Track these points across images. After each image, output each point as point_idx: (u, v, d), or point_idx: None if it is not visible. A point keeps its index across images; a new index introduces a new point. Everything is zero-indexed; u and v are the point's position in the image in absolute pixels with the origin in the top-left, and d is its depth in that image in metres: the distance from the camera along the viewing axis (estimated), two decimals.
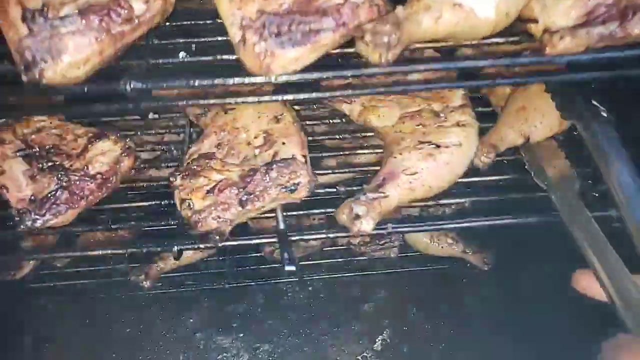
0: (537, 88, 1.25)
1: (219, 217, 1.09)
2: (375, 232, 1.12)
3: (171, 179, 1.16)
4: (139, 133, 1.46)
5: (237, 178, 1.13)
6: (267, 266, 1.83)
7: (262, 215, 1.25)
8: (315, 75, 0.88)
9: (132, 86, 0.84)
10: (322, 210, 1.25)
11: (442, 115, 1.25)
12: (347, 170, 1.42)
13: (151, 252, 1.52)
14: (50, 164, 1.14)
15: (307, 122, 1.49)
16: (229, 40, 0.95)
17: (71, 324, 1.73)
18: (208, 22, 1.07)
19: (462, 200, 1.29)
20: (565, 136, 1.29)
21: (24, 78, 0.81)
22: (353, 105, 1.37)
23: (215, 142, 1.24)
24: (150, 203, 1.26)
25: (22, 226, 1.07)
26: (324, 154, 1.49)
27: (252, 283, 1.84)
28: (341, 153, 1.47)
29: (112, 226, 1.21)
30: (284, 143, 1.18)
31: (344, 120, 1.52)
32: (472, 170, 1.24)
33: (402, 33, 0.88)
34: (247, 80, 0.86)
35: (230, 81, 0.85)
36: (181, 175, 1.16)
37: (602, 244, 0.98)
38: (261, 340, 1.72)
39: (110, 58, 0.87)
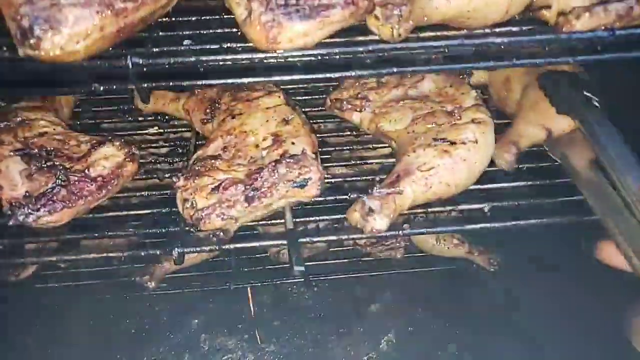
0: None
1: (224, 215, 1.02)
2: (389, 233, 1.04)
3: (174, 179, 1.11)
4: (143, 146, 1.43)
5: (243, 176, 1.08)
6: (273, 267, 1.79)
7: (270, 222, 1.18)
8: (323, 51, 0.84)
9: (132, 62, 0.80)
10: (333, 216, 1.17)
11: (455, 114, 1.20)
12: (357, 177, 1.36)
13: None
14: (49, 163, 1.10)
15: (317, 135, 1.45)
16: (234, 32, 0.93)
17: (75, 325, 1.71)
18: (215, 17, 1.06)
19: (482, 205, 1.21)
20: None
21: (20, 51, 0.79)
22: (363, 113, 1.34)
23: (221, 146, 1.19)
24: (152, 210, 1.20)
25: (12, 221, 1.00)
26: (333, 164, 1.43)
27: (258, 284, 1.80)
28: (350, 163, 1.43)
29: (110, 233, 1.14)
30: (293, 143, 1.13)
31: (353, 132, 1.48)
32: (490, 178, 1.20)
33: (413, 6, 0.85)
34: (255, 55, 0.82)
35: (239, 57, 0.81)
36: (184, 176, 1.11)
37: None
38: (266, 341, 1.69)
39: (111, 37, 0.84)
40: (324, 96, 1.44)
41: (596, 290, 1.47)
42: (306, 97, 1.58)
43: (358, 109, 1.35)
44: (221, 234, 1.01)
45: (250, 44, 0.86)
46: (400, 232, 1.09)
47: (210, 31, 1.00)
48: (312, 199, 1.09)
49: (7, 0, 0.75)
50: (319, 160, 1.11)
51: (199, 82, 0.89)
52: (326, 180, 1.16)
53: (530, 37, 0.91)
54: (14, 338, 1.65)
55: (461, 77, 1.33)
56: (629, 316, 0.96)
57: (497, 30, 0.97)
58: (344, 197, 1.25)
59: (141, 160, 1.26)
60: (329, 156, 1.47)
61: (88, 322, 1.72)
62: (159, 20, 0.96)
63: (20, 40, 0.77)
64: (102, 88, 0.85)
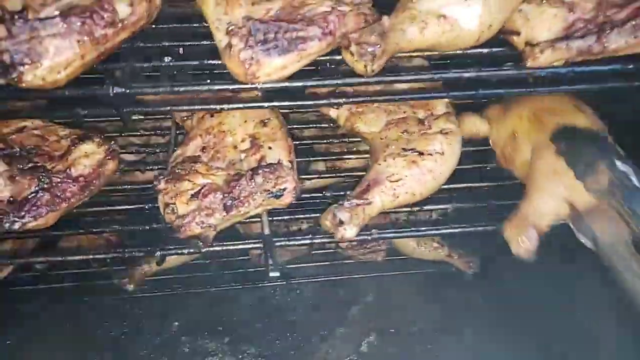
0: None
1: (203, 223, 1.08)
2: (358, 238, 1.13)
3: (155, 182, 1.15)
4: (123, 134, 1.45)
5: (222, 182, 1.13)
6: (254, 269, 1.82)
7: (249, 220, 1.25)
8: (300, 83, 0.88)
9: (114, 91, 0.83)
10: (309, 216, 1.24)
11: (426, 122, 1.26)
12: (334, 175, 1.42)
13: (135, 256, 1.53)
14: (31, 165, 1.12)
15: (295, 127, 1.49)
16: (215, 44, 0.95)
17: (53, 328, 1.70)
18: (194, 25, 1.06)
19: (446, 206, 1.30)
20: None
21: (1, 81, 0.80)
22: (340, 110, 1.38)
23: (200, 146, 1.23)
24: (133, 206, 1.25)
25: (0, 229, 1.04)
26: (311, 158, 1.48)
27: (239, 286, 1.83)
28: (329, 157, 1.48)
29: (94, 230, 1.20)
30: (270, 147, 1.18)
31: (332, 125, 1.53)
32: (455, 177, 1.27)
33: (387, 43, 0.89)
34: (232, 87, 0.86)
35: (215, 87, 0.85)
36: (165, 179, 1.15)
37: None
38: (247, 344, 1.70)
39: (93, 62, 0.86)
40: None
41: (576, 290, 1.53)
42: None
43: (335, 106, 1.39)
44: (200, 242, 1.07)
45: None
46: (369, 236, 1.18)
47: (192, 43, 1.02)
48: (287, 205, 1.16)
49: None
50: (294, 168, 1.16)
51: (178, 108, 0.92)
52: (304, 178, 1.22)
53: (497, 72, 0.95)
54: None
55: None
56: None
57: (468, 52, 1.02)
58: (320, 194, 1.33)
59: (122, 150, 1.29)
60: (307, 151, 1.50)
61: (66, 325, 1.70)
62: None
63: (1, 74, 0.78)
64: (84, 113, 0.87)
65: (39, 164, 1.14)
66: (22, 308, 1.71)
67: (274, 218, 1.21)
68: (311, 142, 1.51)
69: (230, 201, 1.10)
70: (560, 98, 1.16)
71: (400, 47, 0.92)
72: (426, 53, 1.02)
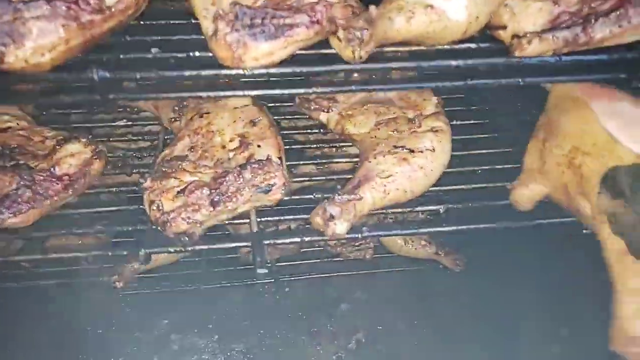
0: None
1: (189, 218, 1.06)
2: (349, 235, 1.11)
3: (141, 180, 1.13)
4: (111, 140, 1.43)
5: (209, 180, 1.11)
6: (244, 267, 1.82)
7: (238, 222, 1.23)
8: (288, 69, 0.88)
9: (99, 75, 0.82)
10: (298, 216, 1.22)
11: (416, 121, 1.26)
12: (324, 177, 1.41)
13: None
14: (13, 162, 1.10)
15: (285, 132, 1.48)
16: (203, 39, 0.95)
17: (41, 326, 1.68)
18: (183, 21, 1.07)
19: (437, 207, 1.28)
20: None
21: None
22: (330, 114, 1.38)
23: (188, 145, 1.21)
24: (119, 207, 1.22)
25: None
26: (301, 162, 1.48)
27: (228, 284, 1.82)
28: (318, 161, 1.47)
29: (78, 230, 1.16)
30: (259, 146, 1.17)
31: (321, 130, 1.52)
32: (446, 179, 1.26)
33: (375, 30, 0.89)
34: (220, 72, 0.85)
35: (203, 73, 0.84)
36: (151, 177, 1.13)
37: None
38: (237, 341, 1.70)
39: (78, 48, 0.85)
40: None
41: (563, 291, 1.55)
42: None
43: (325, 110, 1.38)
44: (186, 238, 1.04)
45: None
46: (360, 235, 1.15)
47: (179, 37, 1.01)
48: (277, 202, 1.13)
49: None
50: (284, 165, 1.15)
51: (164, 95, 0.90)
52: (294, 180, 1.21)
53: (485, 61, 0.96)
54: None
55: None
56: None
57: (456, 47, 1.03)
58: (310, 197, 1.31)
59: (109, 154, 1.27)
60: (297, 154, 1.50)
61: (54, 323, 1.70)
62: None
63: None
64: (67, 99, 0.85)
65: (21, 162, 1.12)
66: (9, 305, 1.70)
67: (263, 218, 1.18)
68: (301, 146, 1.51)
69: (217, 197, 1.08)
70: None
71: (387, 35, 0.92)
72: (414, 48, 1.02)
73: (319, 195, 1.32)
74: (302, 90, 0.94)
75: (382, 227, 1.21)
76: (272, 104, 1.45)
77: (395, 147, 1.19)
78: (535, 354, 1.54)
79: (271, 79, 0.90)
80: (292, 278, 1.85)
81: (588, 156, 0.98)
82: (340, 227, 1.06)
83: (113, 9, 0.86)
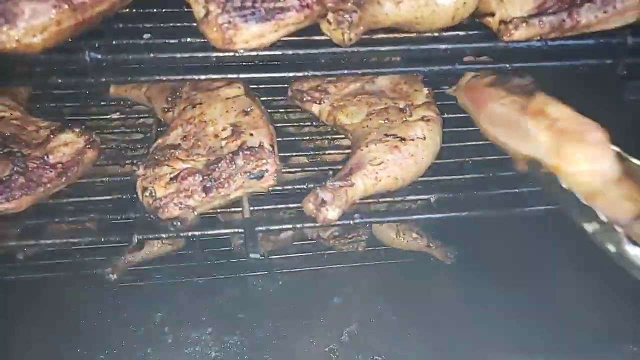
0: None
1: (181, 204, 1.06)
2: (341, 222, 1.11)
3: (134, 168, 1.14)
4: (105, 132, 1.44)
5: (202, 167, 1.12)
6: (237, 260, 1.82)
7: (231, 210, 1.23)
8: (278, 52, 0.89)
9: (91, 56, 0.83)
10: (290, 205, 1.23)
11: (407, 110, 1.27)
12: (316, 168, 1.42)
13: (118, 245, 1.50)
14: (6, 150, 1.11)
15: (277, 125, 1.49)
16: (194, 26, 0.96)
17: (35, 318, 1.67)
18: (175, 9, 1.08)
19: (428, 196, 1.29)
20: None
21: None
22: (322, 105, 1.39)
23: (181, 135, 1.22)
24: (112, 197, 1.22)
25: None
26: (293, 154, 1.49)
27: (222, 277, 1.82)
28: (310, 153, 1.48)
29: (71, 218, 1.17)
30: (252, 134, 1.17)
31: (313, 123, 1.53)
32: (437, 170, 1.28)
33: (364, 13, 0.91)
34: (212, 54, 0.86)
35: (197, 54, 0.85)
36: (144, 165, 1.14)
37: None
38: (230, 334, 1.69)
39: (70, 31, 0.86)
40: (287, 85, 1.48)
41: (554, 282, 1.57)
42: (270, 87, 1.61)
43: (317, 101, 1.40)
44: (179, 223, 1.04)
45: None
46: (351, 221, 1.16)
47: (170, 25, 1.02)
48: (269, 189, 1.14)
49: None
50: (276, 152, 1.16)
51: (157, 78, 0.91)
52: (286, 170, 1.22)
53: (472, 45, 0.97)
54: None
55: None
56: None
57: (445, 34, 1.04)
58: (302, 186, 1.31)
59: (102, 146, 1.28)
60: (290, 147, 1.51)
61: (48, 315, 1.69)
62: (120, 12, 0.98)
63: None
64: (59, 81, 0.86)
65: (14, 150, 1.13)
66: (3, 298, 1.69)
67: (255, 207, 1.18)
68: (293, 139, 1.51)
69: (209, 183, 1.08)
70: None
71: (377, 19, 0.94)
72: (404, 35, 1.04)
73: (312, 186, 1.33)
74: (291, 74, 0.94)
75: (374, 213, 1.21)
76: (265, 98, 1.46)
77: (387, 135, 1.20)
78: (525, 345, 1.54)
79: (262, 63, 0.90)
80: (285, 271, 1.85)
81: None
82: (332, 213, 1.07)
83: None
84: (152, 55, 0.85)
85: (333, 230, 1.79)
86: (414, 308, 1.76)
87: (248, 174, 1.10)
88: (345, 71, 0.94)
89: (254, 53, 0.88)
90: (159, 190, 1.08)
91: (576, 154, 0.99)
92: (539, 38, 1.01)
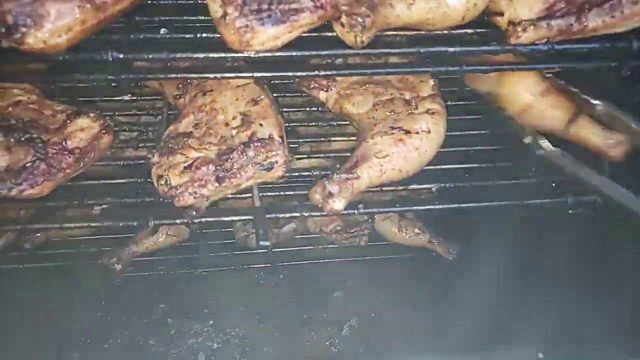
0: None
1: (196, 193, 1.11)
2: (346, 212, 1.17)
3: (149, 155, 1.18)
4: (116, 114, 1.47)
5: (214, 156, 1.16)
6: (240, 252, 1.85)
7: (240, 196, 1.28)
8: (293, 53, 0.92)
9: (113, 56, 0.86)
10: (297, 192, 1.28)
11: (413, 103, 1.30)
12: (321, 155, 1.46)
13: (123, 236, 1.55)
14: (27, 136, 1.15)
15: (284, 110, 1.52)
16: (210, 20, 0.98)
17: (38, 308, 1.69)
18: (190, 2, 1.10)
19: (430, 185, 1.34)
20: None
21: (4, 43, 0.82)
22: (329, 93, 1.42)
23: (193, 122, 1.26)
24: (127, 180, 1.27)
25: None
26: (299, 140, 1.52)
27: (225, 269, 1.85)
28: (315, 139, 1.51)
29: (89, 202, 1.22)
30: (261, 124, 1.21)
31: (319, 109, 1.56)
32: (439, 159, 1.32)
33: (376, 16, 0.93)
34: (228, 55, 0.89)
35: (212, 55, 0.88)
36: (159, 152, 1.18)
37: None
38: (232, 326, 1.71)
39: (92, 29, 0.89)
40: None
41: (557, 278, 1.58)
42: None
43: (324, 89, 1.42)
44: (194, 212, 1.10)
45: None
46: (356, 211, 1.22)
47: (185, 18, 1.05)
48: (278, 179, 1.19)
49: None
50: (285, 143, 1.20)
51: (176, 75, 0.95)
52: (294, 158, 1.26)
53: (480, 48, 1.00)
54: None
55: None
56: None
57: (454, 32, 1.07)
58: (308, 173, 1.36)
59: (116, 129, 1.32)
60: (295, 133, 1.54)
61: (52, 304, 1.70)
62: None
63: (4, 34, 0.80)
64: (83, 77, 0.90)
65: (35, 136, 1.17)
66: (8, 287, 1.71)
67: (263, 194, 1.23)
68: (298, 124, 1.54)
69: (222, 173, 1.13)
70: None
71: (389, 21, 0.96)
72: (413, 33, 1.06)
73: (317, 173, 1.38)
74: (304, 74, 0.97)
75: (377, 204, 1.26)
76: (273, 82, 1.47)
77: (392, 128, 1.24)
78: (529, 342, 1.55)
79: (272, 59, 0.94)
80: (288, 263, 1.87)
81: None
82: (338, 204, 1.12)
83: None
84: (172, 55, 0.87)
85: (335, 225, 1.80)
86: (415, 304, 1.77)
87: (258, 165, 1.15)
88: (356, 71, 0.97)
89: (269, 54, 0.90)
90: (174, 179, 1.13)
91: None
92: (545, 40, 1.04)
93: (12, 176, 1.10)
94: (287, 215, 1.19)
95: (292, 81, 1.53)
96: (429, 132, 1.24)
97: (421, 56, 0.98)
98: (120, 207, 1.34)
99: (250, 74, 0.95)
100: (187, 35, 0.98)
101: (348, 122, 1.49)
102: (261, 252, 1.81)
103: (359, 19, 0.90)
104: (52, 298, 1.72)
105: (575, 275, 1.57)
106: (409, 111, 1.28)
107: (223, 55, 0.90)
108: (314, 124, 1.55)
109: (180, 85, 1.35)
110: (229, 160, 1.14)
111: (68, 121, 1.22)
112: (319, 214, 1.18)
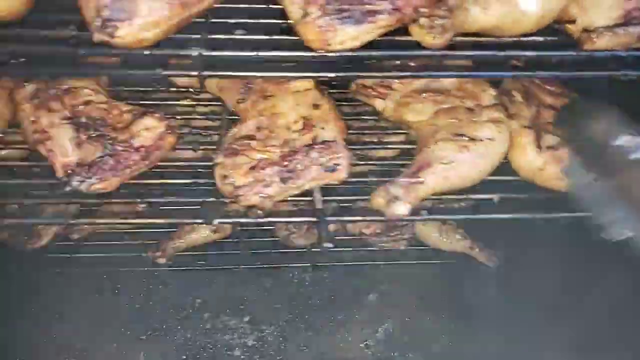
0: None
1: (261, 193, 1.12)
2: (409, 218, 1.16)
3: (213, 156, 1.20)
4: (177, 117, 1.50)
5: (277, 158, 1.17)
6: (278, 251, 1.87)
7: (301, 198, 1.28)
8: (372, 53, 0.93)
9: (197, 53, 0.88)
10: (359, 197, 1.27)
11: (475, 111, 1.29)
12: (382, 162, 1.46)
13: (167, 230, 1.61)
14: (97, 133, 1.18)
15: None
16: (281, 23, 1.01)
17: (82, 296, 1.76)
18: (262, 5, 1.12)
19: (492, 195, 1.31)
20: None
21: (96, 36, 0.85)
22: (386, 101, 1.42)
23: (255, 126, 1.27)
24: (188, 180, 1.29)
25: (69, 187, 1.09)
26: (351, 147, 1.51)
27: (263, 266, 1.87)
28: (363, 147, 1.51)
29: (151, 200, 1.24)
30: (323, 128, 1.22)
31: (362, 117, 1.56)
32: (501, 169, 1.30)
33: (454, 20, 0.93)
34: (310, 54, 0.90)
35: (294, 53, 0.90)
36: (223, 153, 1.20)
37: None
38: (267, 324, 1.75)
39: (177, 26, 0.91)
40: None
41: (595, 286, 1.54)
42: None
43: (382, 97, 1.43)
44: (259, 211, 1.10)
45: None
46: (418, 217, 1.20)
47: (260, 21, 1.07)
48: (340, 181, 1.19)
49: None
50: (346, 146, 1.20)
51: (258, 74, 0.97)
52: (355, 163, 1.26)
53: (555, 53, 0.99)
54: (22, 305, 1.69)
55: None
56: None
57: (525, 39, 1.06)
58: (364, 179, 1.36)
59: (178, 131, 1.34)
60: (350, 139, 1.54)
61: (94, 294, 1.77)
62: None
63: (98, 28, 0.84)
64: (164, 73, 0.92)
65: (103, 134, 1.20)
66: (56, 275, 1.78)
67: (327, 198, 1.23)
68: (353, 132, 1.54)
69: (286, 174, 1.14)
70: None
71: (464, 25, 0.96)
72: (475, 38, 1.06)
73: (374, 179, 1.38)
74: (368, 74, 1.00)
75: (441, 210, 1.25)
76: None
77: (456, 134, 1.23)
78: (563, 353, 1.54)
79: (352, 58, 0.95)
80: (324, 264, 1.88)
81: None
82: (402, 208, 1.11)
83: None
84: (254, 54, 0.89)
85: (375, 228, 1.78)
86: (450, 310, 1.77)
87: (322, 166, 1.15)
88: (429, 73, 0.98)
89: (348, 54, 0.92)
90: (239, 179, 1.14)
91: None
92: (620, 48, 1.02)
93: (84, 170, 1.13)
94: (350, 219, 1.18)
95: (342, 91, 1.55)
96: (494, 140, 1.22)
97: (487, 59, 0.98)
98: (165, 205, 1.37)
99: (332, 74, 0.95)
100: (262, 37, 1.00)
101: (391, 132, 1.49)
102: (300, 251, 1.83)
103: (438, 21, 0.90)
104: (95, 287, 1.80)
105: (617, 291, 1.50)
106: (472, 119, 1.27)
107: (302, 54, 0.91)
108: (360, 132, 1.55)
109: (241, 90, 1.38)
110: (293, 161, 1.15)
111: (134, 121, 1.25)
112: (379, 218, 1.17)
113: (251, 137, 1.24)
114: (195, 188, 1.29)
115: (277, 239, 1.85)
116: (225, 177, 1.16)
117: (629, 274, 1.39)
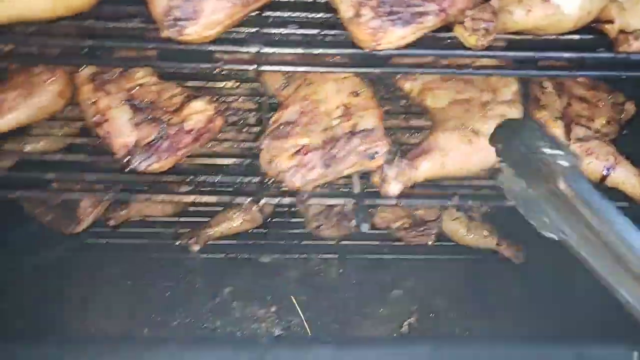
0: None
1: (304, 177, 1.20)
2: (437, 201, 1.23)
3: (259, 140, 1.28)
4: (218, 98, 1.58)
5: (320, 143, 1.25)
6: (307, 243, 1.90)
7: (336, 183, 1.36)
8: (421, 52, 0.99)
9: (258, 50, 0.95)
10: None
11: (489, 105, 1.32)
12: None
13: (199, 218, 1.71)
14: (151, 116, 1.26)
15: None
16: (329, 19, 1.07)
17: (116, 281, 1.81)
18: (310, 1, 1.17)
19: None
20: None
21: (166, 33, 0.93)
22: (415, 83, 1.45)
23: (297, 111, 1.34)
24: (233, 161, 1.38)
25: (130, 166, 1.19)
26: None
27: (292, 257, 1.91)
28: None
29: (200, 180, 1.33)
30: (362, 115, 1.29)
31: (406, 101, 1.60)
32: None
33: (497, 22, 0.98)
34: (361, 51, 0.97)
35: (346, 51, 0.96)
36: (268, 136, 1.28)
37: None
38: (293, 315, 1.77)
39: (236, 23, 0.98)
40: None
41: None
42: None
43: (412, 78, 1.47)
44: (305, 194, 1.19)
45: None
46: (449, 202, 1.28)
47: (313, 16, 1.13)
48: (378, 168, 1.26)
49: None
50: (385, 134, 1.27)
51: (313, 69, 1.05)
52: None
53: (592, 54, 1.04)
54: (55, 291, 1.73)
55: None
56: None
57: (562, 37, 1.10)
58: None
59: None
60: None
61: (126, 281, 1.79)
62: None
63: (168, 25, 0.91)
64: (224, 65, 1.00)
65: (157, 116, 1.28)
66: (91, 260, 1.86)
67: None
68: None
69: (328, 159, 1.22)
70: None
71: (506, 26, 1.02)
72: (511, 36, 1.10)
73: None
74: (406, 70, 1.13)
75: (476, 197, 1.31)
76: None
77: (463, 126, 1.27)
78: (588, 351, 1.46)
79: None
80: (350, 258, 1.91)
81: None
82: (394, 188, 1.18)
83: None
84: (308, 51, 0.96)
85: (403, 222, 1.78)
86: (475, 307, 1.77)
87: (362, 154, 1.23)
88: (464, 70, 1.05)
89: (395, 52, 0.98)
90: (283, 163, 1.23)
91: None
92: None
93: (142, 151, 1.22)
94: (386, 202, 1.26)
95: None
96: None
97: (534, 60, 1.03)
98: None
99: (378, 70, 1.02)
100: (313, 31, 1.07)
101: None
102: (328, 243, 1.86)
103: (483, 24, 0.95)
104: (128, 273, 1.83)
105: None
106: (483, 113, 1.31)
107: (354, 51, 0.98)
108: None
109: (284, 77, 1.44)
110: (335, 147, 1.23)
111: (184, 104, 1.33)
112: (414, 201, 1.24)
113: (294, 123, 1.31)
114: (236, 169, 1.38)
115: (305, 230, 1.86)
116: (270, 160, 1.24)
117: None
